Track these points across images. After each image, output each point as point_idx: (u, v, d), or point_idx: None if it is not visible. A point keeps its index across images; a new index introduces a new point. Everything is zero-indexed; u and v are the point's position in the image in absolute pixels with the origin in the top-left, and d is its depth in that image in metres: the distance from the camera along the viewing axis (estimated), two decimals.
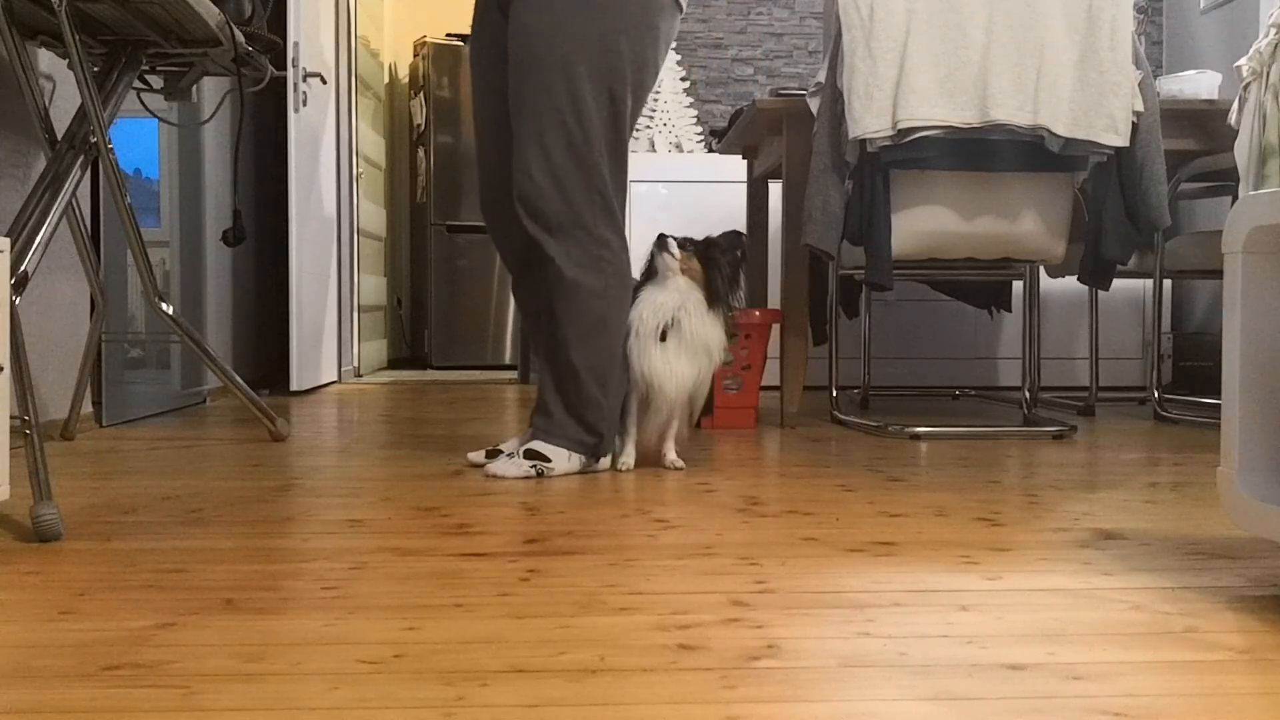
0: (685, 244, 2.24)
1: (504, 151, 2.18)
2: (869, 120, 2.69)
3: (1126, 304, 4.46)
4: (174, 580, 1.30)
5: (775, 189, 3.93)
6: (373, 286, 5.36)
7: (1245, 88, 2.80)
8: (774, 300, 3.86)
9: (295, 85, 3.90)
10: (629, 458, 2.21)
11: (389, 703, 0.90)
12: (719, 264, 2.22)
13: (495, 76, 2.19)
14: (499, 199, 2.23)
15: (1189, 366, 4.38)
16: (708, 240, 2.27)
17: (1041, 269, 3.62)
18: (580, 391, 2.11)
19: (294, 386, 3.98)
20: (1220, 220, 4.20)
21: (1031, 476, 2.15)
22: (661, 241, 2.21)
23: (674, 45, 4.85)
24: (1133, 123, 2.74)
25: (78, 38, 2.13)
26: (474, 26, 2.27)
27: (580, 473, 2.13)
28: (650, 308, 2.18)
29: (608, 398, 2.13)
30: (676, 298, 2.18)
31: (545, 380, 2.17)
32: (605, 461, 2.18)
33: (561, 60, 2.04)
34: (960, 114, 2.68)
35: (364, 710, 0.89)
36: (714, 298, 2.20)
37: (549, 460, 2.09)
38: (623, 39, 2.07)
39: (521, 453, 2.10)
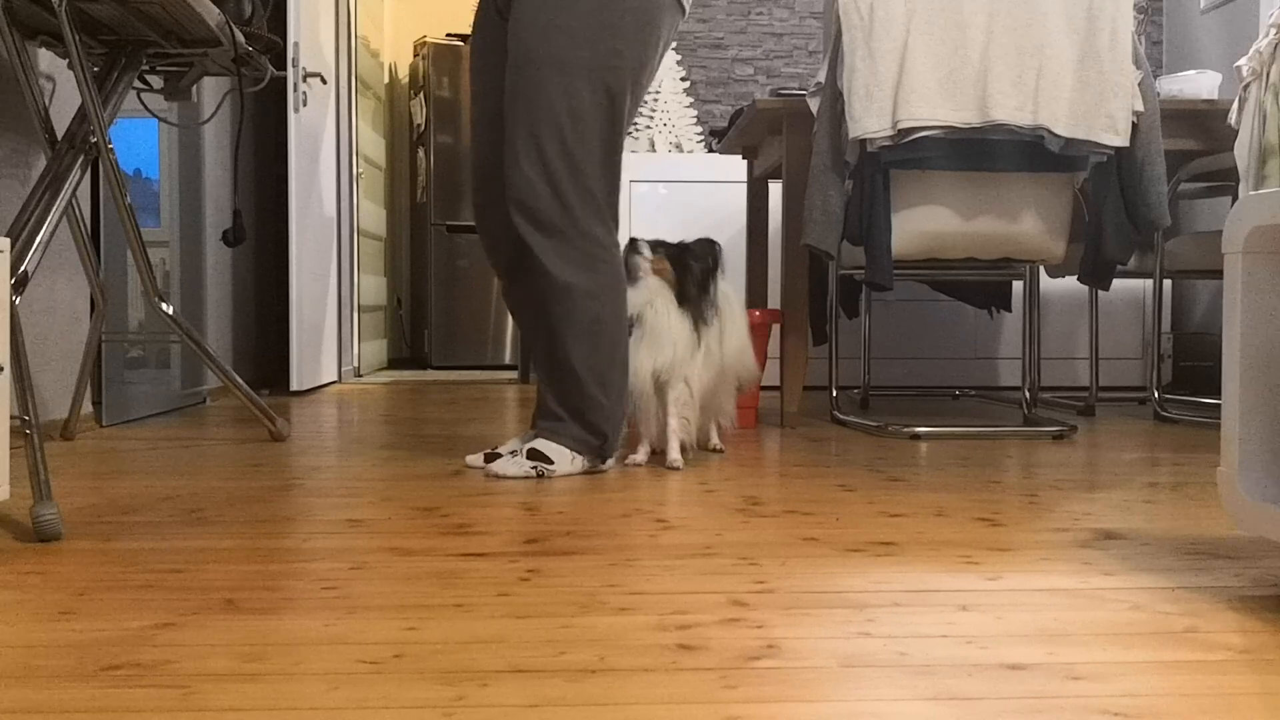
0: (658, 246, 2.29)
1: (498, 156, 2.17)
2: (869, 120, 2.69)
3: (1126, 304, 4.46)
4: (174, 580, 1.30)
5: (775, 189, 3.93)
6: (373, 286, 5.36)
7: (1245, 88, 2.81)
8: (774, 300, 3.86)
9: (295, 85, 3.90)
10: (641, 455, 2.28)
11: (389, 703, 0.90)
12: (691, 269, 2.28)
13: (493, 82, 2.18)
14: (491, 204, 2.21)
15: (1189, 366, 4.39)
16: (681, 245, 2.32)
17: (1041, 269, 3.62)
18: (581, 393, 2.09)
19: (294, 386, 3.98)
20: (1220, 220, 4.21)
21: (1031, 476, 2.15)
22: (633, 244, 2.27)
23: (674, 45, 4.86)
24: (1133, 123, 2.74)
25: (78, 38, 2.13)
26: (474, 31, 2.26)
27: (583, 474, 2.12)
28: None
29: (609, 398, 2.12)
30: (645, 294, 2.25)
31: (545, 383, 2.15)
32: (610, 463, 2.17)
33: (557, 57, 2.02)
34: (960, 114, 2.68)
35: (364, 710, 0.89)
36: (683, 299, 2.25)
37: (551, 461, 2.08)
38: (621, 37, 2.05)
39: (525, 451, 2.09)
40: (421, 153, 5.96)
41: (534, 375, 2.30)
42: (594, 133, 2.05)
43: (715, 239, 2.36)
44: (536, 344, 2.24)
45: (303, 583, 1.29)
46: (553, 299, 2.08)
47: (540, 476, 2.06)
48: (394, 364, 6.06)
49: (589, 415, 2.10)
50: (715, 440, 2.51)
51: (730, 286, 2.43)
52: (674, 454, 2.24)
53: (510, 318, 5.75)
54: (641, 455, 2.28)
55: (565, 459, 2.09)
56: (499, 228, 2.19)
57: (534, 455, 2.08)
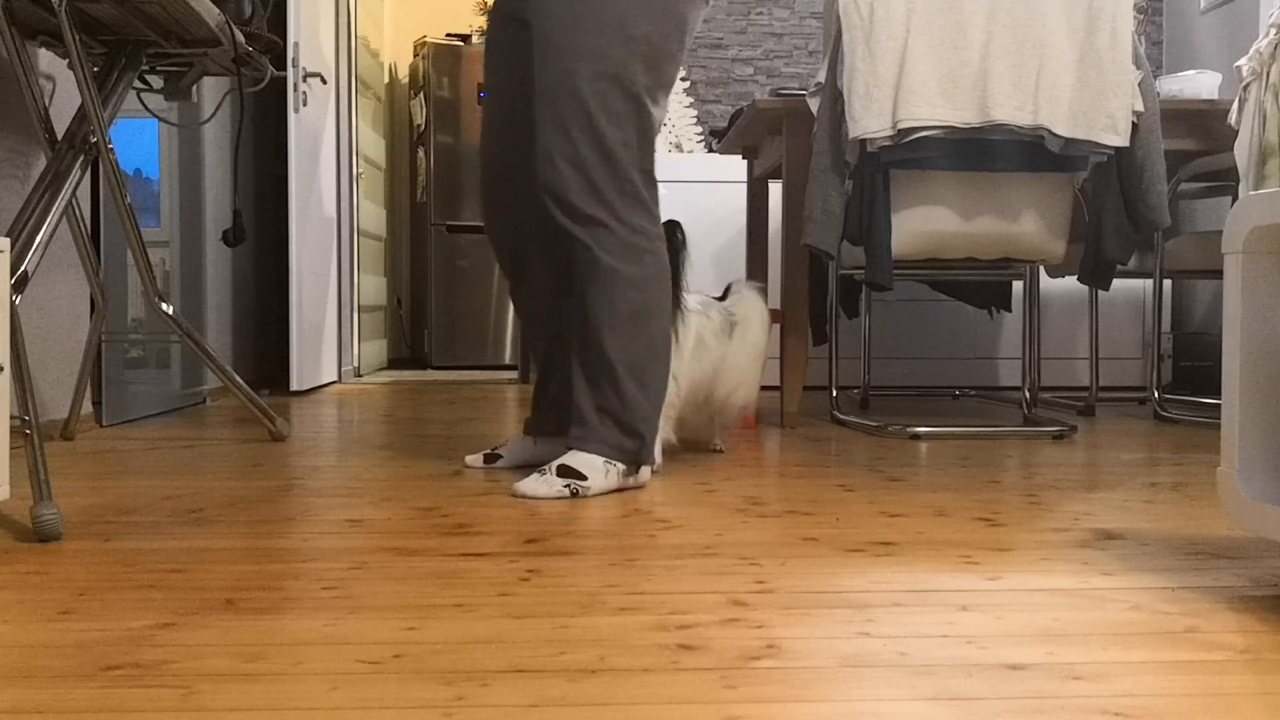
0: None
1: (509, 156, 2.15)
2: (869, 120, 2.69)
3: (1126, 304, 4.46)
4: (174, 580, 1.30)
5: (775, 189, 3.93)
6: (373, 286, 5.36)
7: (1245, 88, 2.81)
8: (774, 300, 3.86)
9: (295, 85, 3.90)
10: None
11: (389, 703, 0.90)
12: None
13: (505, 80, 2.17)
14: (500, 204, 2.20)
15: (1189, 366, 4.39)
16: None
17: (1041, 269, 3.62)
18: (616, 389, 1.95)
19: (294, 386, 3.98)
20: (1220, 220, 4.20)
21: (1031, 476, 2.15)
22: None
23: None
24: (1133, 123, 2.74)
25: (78, 38, 2.13)
26: (488, 29, 2.25)
27: (620, 489, 1.95)
28: None
29: (647, 397, 1.96)
30: None
31: (576, 381, 2.00)
32: (645, 473, 2.00)
33: (585, 49, 1.97)
34: (960, 114, 2.68)
35: (364, 710, 0.89)
36: None
37: (585, 478, 1.89)
38: (647, 28, 1.99)
39: (555, 469, 1.92)
40: (421, 153, 5.96)
41: (532, 376, 2.27)
42: (625, 122, 1.97)
43: (678, 219, 2.29)
44: (536, 347, 2.22)
45: (303, 583, 1.29)
46: (593, 285, 1.96)
47: (575, 495, 1.88)
48: (394, 364, 6.06)
49: (623, 415, 1.94)
50: (716, 440, 2.51)
51: (758, 299, 2.40)
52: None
53: (510, 318, 5.76)
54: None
55: (599, 471, 1.91)
56: (506, 227, 2.17)
57: (565, 472, 1.90)
